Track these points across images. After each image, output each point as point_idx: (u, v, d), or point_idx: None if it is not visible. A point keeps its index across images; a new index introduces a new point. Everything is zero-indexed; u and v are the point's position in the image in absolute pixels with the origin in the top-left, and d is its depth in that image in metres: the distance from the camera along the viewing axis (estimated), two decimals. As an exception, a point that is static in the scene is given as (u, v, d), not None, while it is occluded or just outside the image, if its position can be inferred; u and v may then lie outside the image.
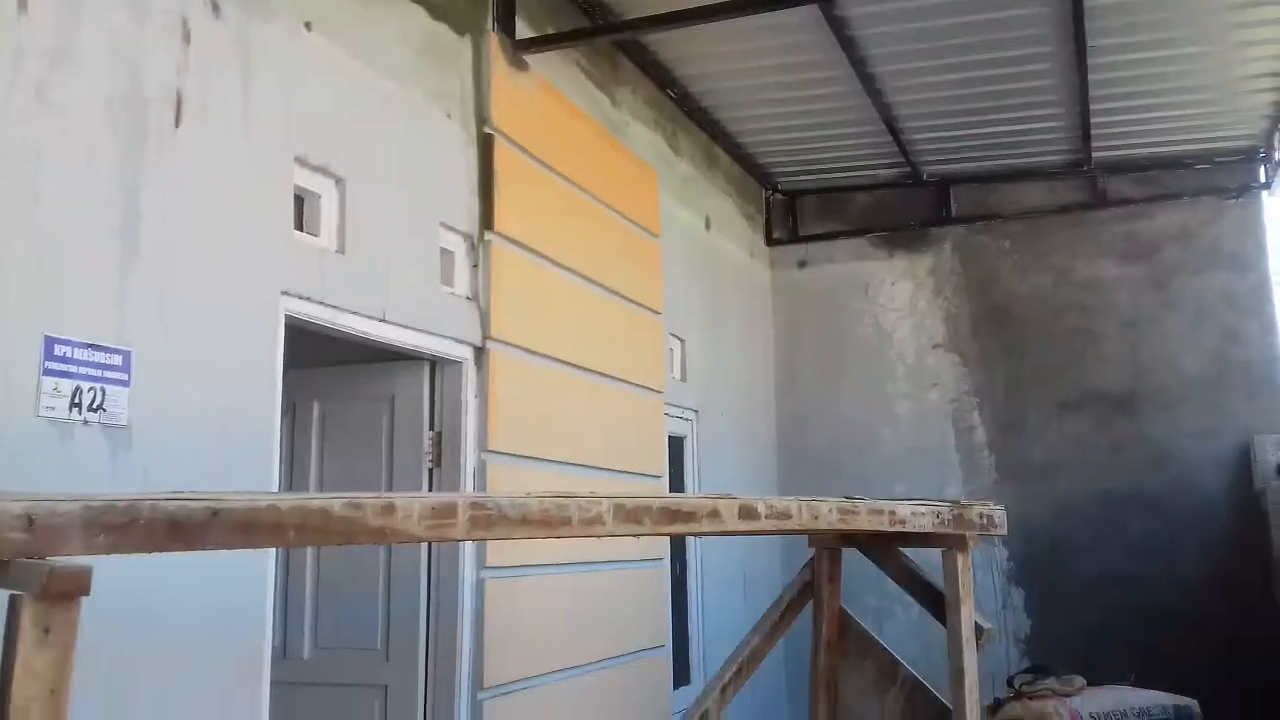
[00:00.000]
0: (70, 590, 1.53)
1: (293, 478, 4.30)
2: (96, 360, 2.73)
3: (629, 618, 5.30)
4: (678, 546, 6.28)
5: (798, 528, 3.03)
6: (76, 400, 2.68)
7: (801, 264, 8.38)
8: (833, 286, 8.27)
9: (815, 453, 8.08)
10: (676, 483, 6.37)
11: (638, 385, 5.63)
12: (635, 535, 2.71)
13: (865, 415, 8.03)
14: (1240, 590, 7.00)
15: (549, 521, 2.35)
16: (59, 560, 1.54)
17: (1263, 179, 7.59)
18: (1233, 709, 6.27)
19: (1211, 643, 6.92)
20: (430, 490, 4.11)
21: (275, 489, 3.36)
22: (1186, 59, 6.12)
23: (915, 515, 3.34)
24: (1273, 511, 6.80)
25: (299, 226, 3.53)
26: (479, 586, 4.16)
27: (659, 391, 5.91)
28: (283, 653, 4.22)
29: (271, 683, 3.39)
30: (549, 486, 3.19)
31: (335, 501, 1.98)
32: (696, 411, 6.66)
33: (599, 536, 2.57)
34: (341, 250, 3.62)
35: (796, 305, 8.33)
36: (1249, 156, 7.57)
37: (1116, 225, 7.75)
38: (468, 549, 4.14)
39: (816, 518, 3.01)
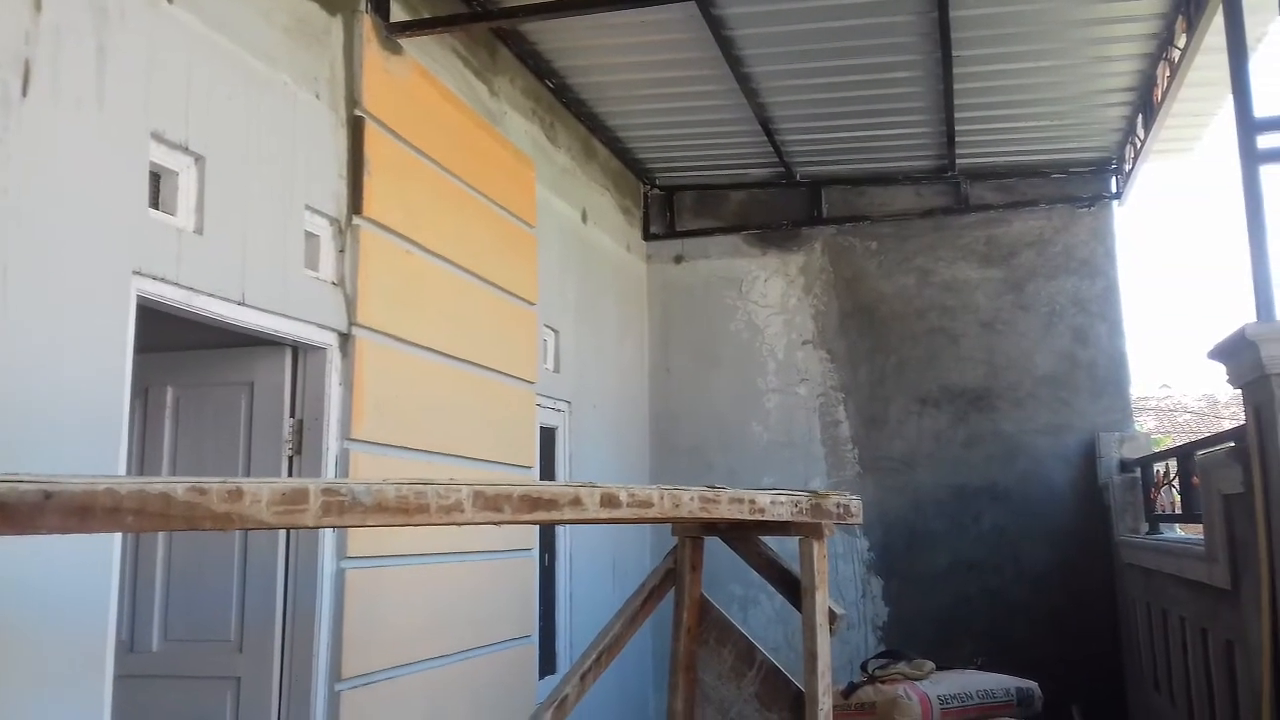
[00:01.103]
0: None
1: (144, 464, 4.15)
2: (-73, 337, 2.60)
3: (495, 608, 5.28)
4: (547, 537, 6.29)
5: (659, 516, 3.06)
6: (-96, 379, 2.54)
7: (678, 259, 8.47)
8: (707, 282, 8.39)
9: (687, 445, 8.19)
10: (548, 474, 6.37)
11: (510, 376, 5.61)
12: (496, 523, 2.71)
13: (736, 409, 8.18)
14: (1083, 579, 7.38)
15: (406, 509, 2.32)
16: None
17: (1114, 190, 8.00)
18: (1073, 690, 6.62)
19: (1055, 628, 7.30)
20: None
21: (122, 474, 3.25)
22: (1046, 72, 6.41)
23: (774, 504, 3.41)
24: (1114, 505, 7.19)
25: (155, 205, 3.41)
26: (339, 576, 4.09)
27: (531, 382, 5.90)
28: (130, 645, 4.08)
29: (119, 676, 3.28)
30: (414, 476, 3.16)
31: (178, 486, 1.93)
32: (569, 403, 6.67)
33: (458, 524, 2.55)
34: (199, 230, 3.51)
35: (672, 300, 8.43)
36: (1101, 168, 7.97)
37: (978, 230, 8.07)
38: (328, 538, 4.07)
39: (678, 506, 3.06)
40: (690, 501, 3.12)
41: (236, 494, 2.00)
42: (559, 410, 6.57)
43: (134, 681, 3.90)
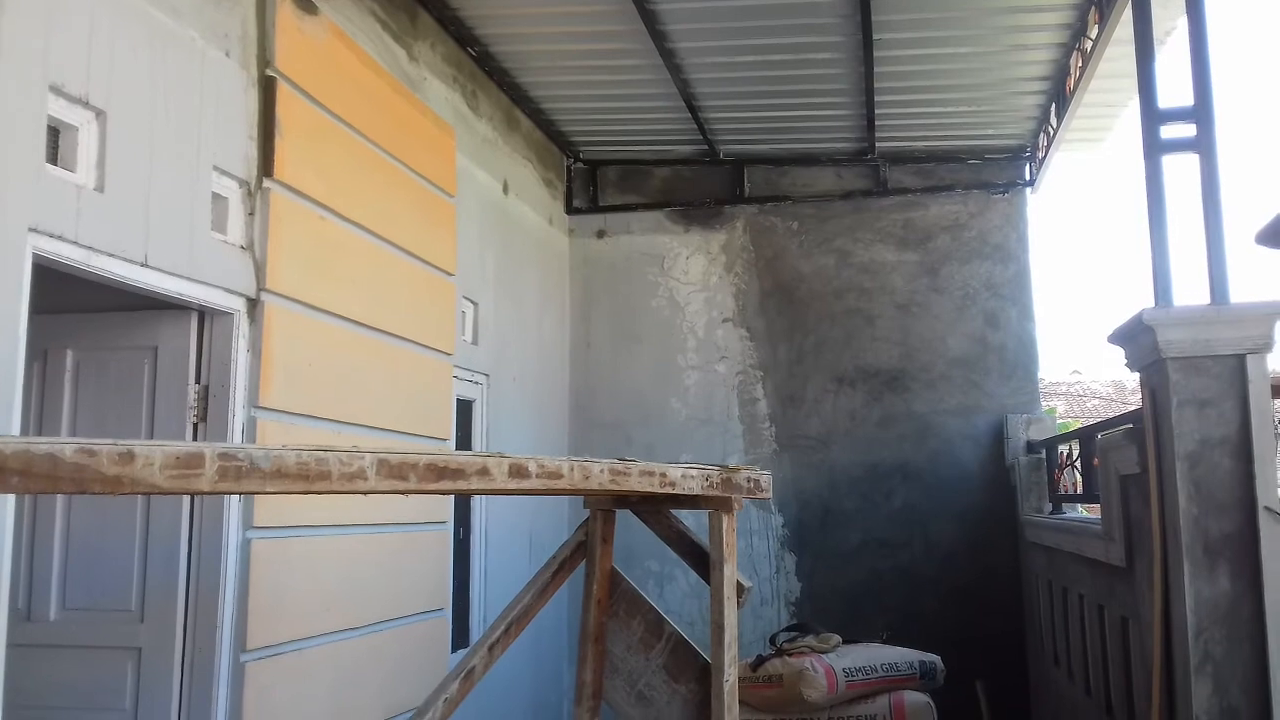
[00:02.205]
0: None
1: (43, 430, 4.02)
2: None
3: (408, 581, 5.24)
4: (462, 510, 6.26)
5: (569, 488, 3.06)
6: None
7: (600, 234, 8.45)
8: (630, 258, 8.38)
9: (607, 421, 8.20)
10: (464, 446, 6.32)
11: (426, 347, 5.55)
12: (401, 493, 2.68)
13: (656, 385, 8.21)
14: (990, 556, 7.57)
15: (306, 475, 2.28)
16: None
17: (1028, 177, 8.18)
18: (978, 665, 6.80)
19: (962, 604, 7.48)
20: (196, 446, 3.92)
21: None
22: (964, 58, 6.51)
23: (685, 478, 3.44)
24: (1020, 485, 7.38)
25: (53, 161, 3.29)
26: (244, 546, 4.02)
27: (448, 354, 5.84)
28: (27, 614, 3.96)
29: (15, 645, 3.19)
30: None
31: (66, 447, 1.86)
32: (488, 376, 6.63)
33: (362, 493, 2.52)
34: (100, 188, 3.40)
35: (594, 275, 8.41)
36: (1016, 155, 8.13)
37: (896, 213, 8.18)
38: (233, 507, 3.99)
39: (588, 478, 3.06)
40: (600, 474, 3.12)
41: (128, 457, 1.94)
42: (477, 383, 6.52)
43: (31, 651, 3.79)
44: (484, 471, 2.73)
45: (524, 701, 6.88)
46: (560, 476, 2.98)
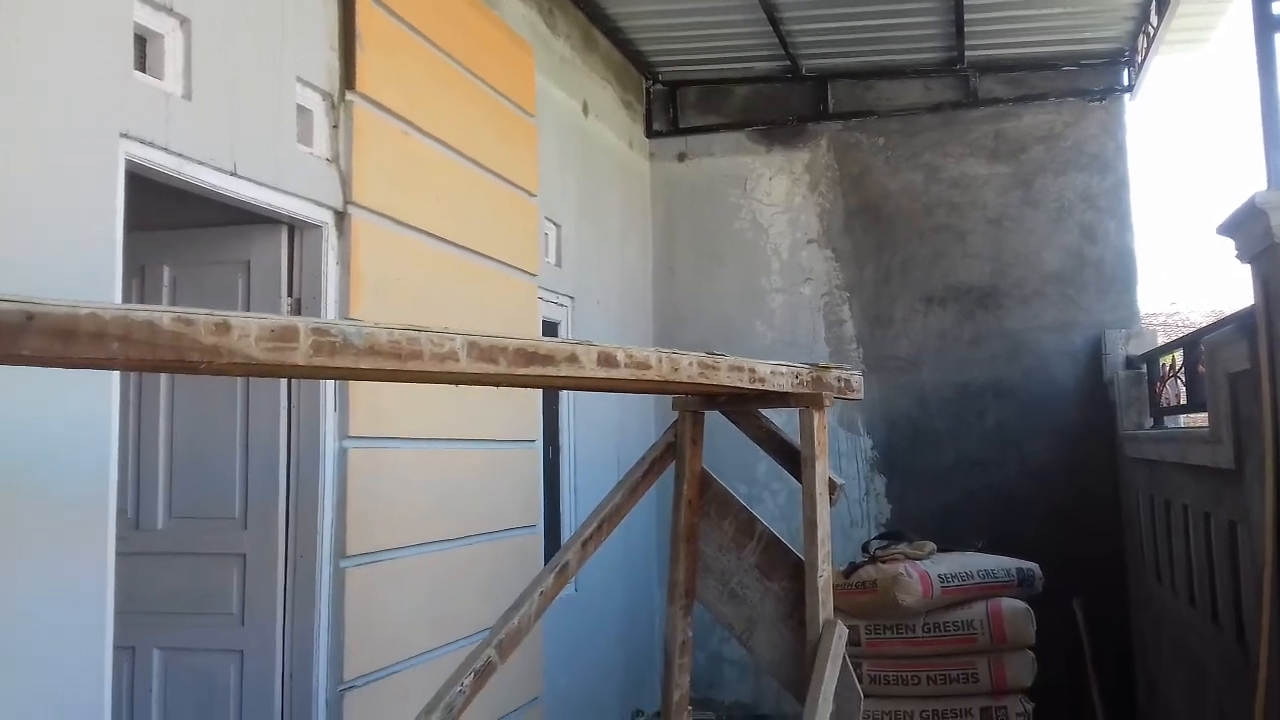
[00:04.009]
0: None
1: (143, 345, 4.12)
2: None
3: (499, 497, 5.30)
4: (550, 429, 6.30)
5: (657, 379, 3.03)
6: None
7: (681, 157, 8.35)
8: (711, 180, 8.27)
9: (690, 345, 8.02)
10: (550, 368, 6.33)
11: (510, 266, 5.55)
12: (491, 378, 2.68)
13: (740, 309, 8.13)
14: (1087, 475, 7.39)
15: (399, 354, 2.28)
16: None
17: (1126, 82, 7.83)
18: (1075, 585, 6.67)
19: (1058, 524, 7.32)
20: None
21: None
22: (1057, -45, 6.23)
23: (774, 374, 3.39)
24: (1119, 400, 7.17)
25: (141, 68, 3.32)
26: (341, 455, 4.09)
27: (533, 274, 5.84)
28: (136, 523, 4.10)
29: (126, 553, 3.29)
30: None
31: (164, 315, 1.88)
32: (572, 298, 6.63)
33: (452, 376, 2.53)
34: (188, 96, 3.43)
35: (675, 198, 8.32)
36: (1114, 59, 7.79)
37: (986, 125, 7.92)
38: (329, 417, 4.06)
39: (676, 370, 3.03)
40: (689, 366, 3.09)
41: (224, 327, 1.96)
42: (562, 305, 6.53)
43: (140, 559, 3.92)
44: (573, 359, 2.71)
45: (618, 605, 6.98)
46: (648, 366, 2.96)
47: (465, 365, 2.44)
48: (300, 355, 2.11)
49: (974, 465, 7.63)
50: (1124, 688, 6.95)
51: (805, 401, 3.51)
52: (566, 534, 6.38)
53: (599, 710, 6.59)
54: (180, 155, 3.36)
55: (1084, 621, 6.54)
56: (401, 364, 2.31)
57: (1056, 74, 7.85)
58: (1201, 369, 5.55)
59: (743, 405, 3.72)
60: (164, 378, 4.13)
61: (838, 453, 7.80)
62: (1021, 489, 7.50)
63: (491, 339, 2.50)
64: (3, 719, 2.79)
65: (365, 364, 2.25)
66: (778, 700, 7.36)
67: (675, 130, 8.33)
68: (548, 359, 2.68)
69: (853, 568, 5.07)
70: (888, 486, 7.82)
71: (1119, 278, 7.67)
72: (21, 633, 2.82)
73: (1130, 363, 7.24)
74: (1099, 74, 7.84)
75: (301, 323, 2.12)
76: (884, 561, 5.05)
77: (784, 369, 3.45)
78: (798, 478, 3.51)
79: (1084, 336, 7.61)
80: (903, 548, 5.20)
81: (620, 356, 2.86)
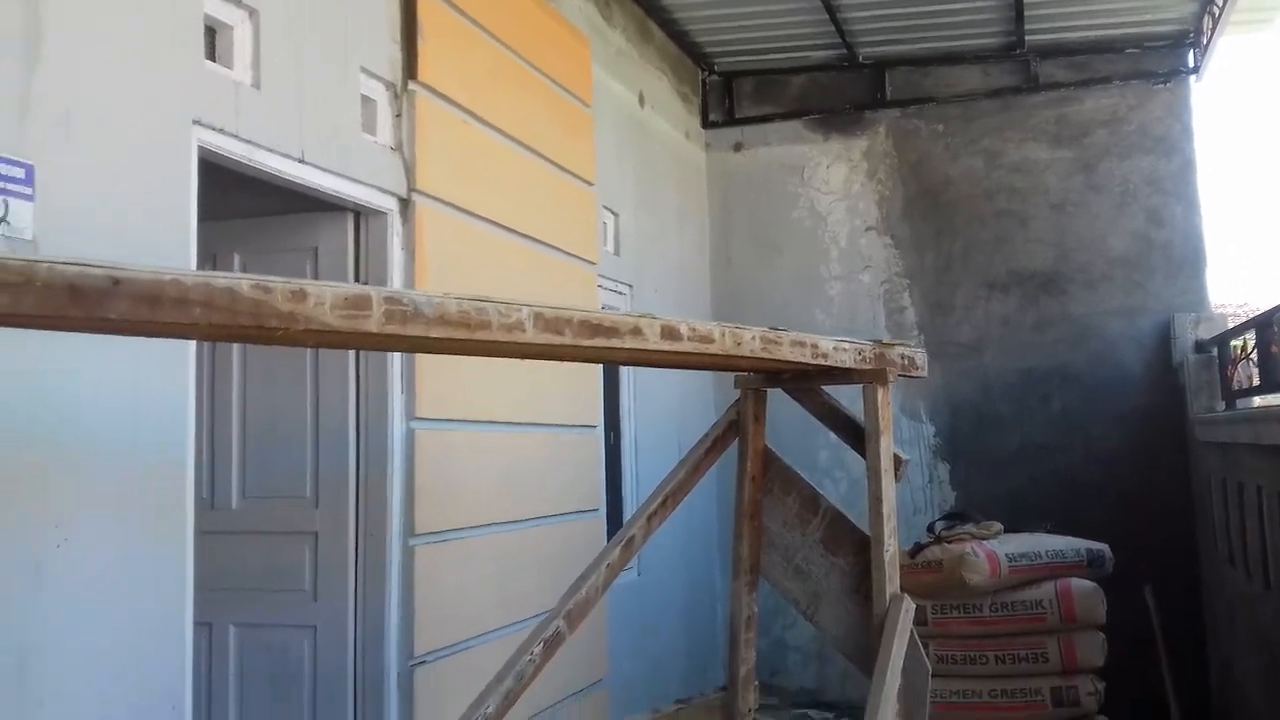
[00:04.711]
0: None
1: (217, 331, 4.24)
2: (-2, 172, 2.65)
3: (562, 480, 5.36)
4: (611, 416, 6.34)
5: (720, 354, 3.05)
6: (-22, 212, 2.60)
7: (737, 147, 8.35)
8: (768, 170, 8.26)
9: (749, 335, 8.14)
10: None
11: (570, 254, 5.61)
12: (556, 351, 2.73)
13: (799, 297, 8.11)
14: (1156, 460, 7.25)
15: (467, 324, 2.33)
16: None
17: (1191, 64, 7.68)
18: (1145, 571, 6.55)
19: (1127, 509, 7.18)
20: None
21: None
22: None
23: (838, 350, 3.39)
24: (1189, 384, 7.03)
25: (211, 58, 3.42)
26: (409, 436, 4.17)
27: (593, 262, 5.89)
28: (210, 503, 4.22)
29: (202, 532, 3.38)
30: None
31: (244, 282, 1.95)
32: (630, 287, 6.66)
33: (520, 348, 2.58)
34: (257, 85, 3.53)
35: (732, 188, 8.33)
36: (1178, 41, 7.64)
37: (1048, 109, 7.81)
38: (396, 398, 4.14)
39: (739, 344, 3.04)
40: (752, 340, 3.10)
41: (300, 295, 2.02)
42: (620, 293, 6.57)
43: (216, 537, 4.03)
44: (636, 331, 2.74)
45: (680, 590, 7.01)
46: (712, 340, 2.97)
47: (531, 336, 2.48)
48: (373, 323, 2.16)
49: (1039, 450, 7.53)
50: (1196, 671, 6.83)
51: (869, 377, 3.51)
52: (628, 518, 6.42)
53: (661, 695, 6.62)
54: (250, 142, 3.45)
55: (1154, 606, 6.42)
56: (470, 333, 2.35)
57: (1119, 57, 7.72)
58: (1275, 349, 5.43)
59: (805, 383, 3.72)
60: (236, 361, 4.25)
61: (900, 440, 7.72)
62: (1088, 474, 7.38)
63: (557, 310, 2.54)
64: (87, 696, 2.89)
65: (436, 333, 2.30)
66: (841, 686, 7.32)
67: (731, 120, 8.33)
68: (612, 330, 2.72)
69: (918, 548, 5.04)
70: (951, 473, 7.75)
71: (1188, 261, 7.53)
72: (105, 611, 2.92)
73: (1200, 346, 7.10)
74: (1163, 56, 7.69)
75: (374, 291, 2.18)
76: (950, 542, 5.01)
77: (847, 345, 3.46)
78: (862, 454, 3.51)
79: (1151, 321, 7.47)
80: (969, 528, 5.15)
81: (684, 330, 2.89)
